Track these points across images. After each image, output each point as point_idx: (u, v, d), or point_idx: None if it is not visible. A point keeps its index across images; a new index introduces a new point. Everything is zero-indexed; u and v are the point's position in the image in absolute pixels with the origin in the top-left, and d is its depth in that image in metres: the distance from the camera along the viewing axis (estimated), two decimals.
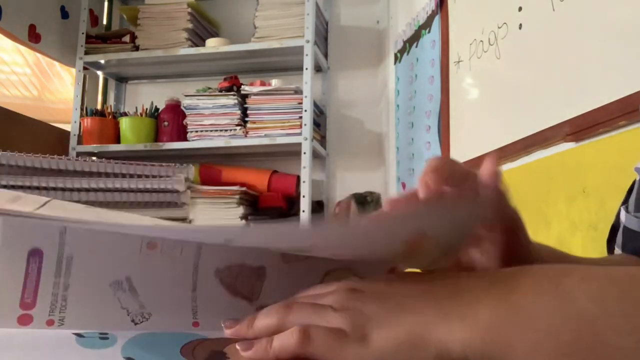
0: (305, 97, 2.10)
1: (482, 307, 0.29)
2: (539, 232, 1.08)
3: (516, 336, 0.28)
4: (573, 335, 0.27)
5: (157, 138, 2.27)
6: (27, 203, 0.35)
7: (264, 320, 0.34)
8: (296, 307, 0.34)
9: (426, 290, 0.32)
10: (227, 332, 0.36)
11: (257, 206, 2.23)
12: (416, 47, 1.89)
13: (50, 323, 0.36)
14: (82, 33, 2.35)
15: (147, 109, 2.31)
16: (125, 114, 2.32)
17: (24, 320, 0.35)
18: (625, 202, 0.56)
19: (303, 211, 2.04)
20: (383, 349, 0.29)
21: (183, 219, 0.66)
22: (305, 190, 2.05)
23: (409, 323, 0.29)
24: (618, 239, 0.57)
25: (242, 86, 2.18)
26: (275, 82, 2.19)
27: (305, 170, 2.05)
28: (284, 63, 2.36)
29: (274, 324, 0.33)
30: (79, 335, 0.33)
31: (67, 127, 2.36)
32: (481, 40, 1.37)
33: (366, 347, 0.29)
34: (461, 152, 1.48)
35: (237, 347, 0.33)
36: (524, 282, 0.30)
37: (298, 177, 2.22)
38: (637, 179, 0.53)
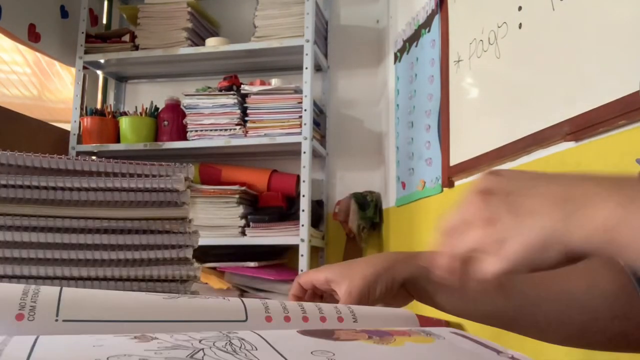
0: (305, 96, 2.10)
1: (602, 209, 0.33)
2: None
3: (630, 237, 0.31)
4: None
5: (157, 137, 2.27)
6: None
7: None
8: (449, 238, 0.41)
9: (552, 193, 0.36)
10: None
11: (257, 206, 2.23)
12: (416, 46, 1.89)
13: None
14: (82, 32, 2.35)
15: (146, 108, 2.31)
16: (125, 114, 2.32)
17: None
18: None
19: (303, 211, 2.04)
20: (517, 255, 0.35)
21: (183, 219, 0.66)
22: (305, 189, 2.05)
23: (536, 228, 0.35)
24: None
25: (242, 85, 2.18)
26: (275, 82, 2.19)
27: (305, 169, 2.05)
28: (283, 62, 2.36)
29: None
30: None
31: (67, 126, 2.36)
32: (481, 40, 1.37)
33: (502, 257, 0.35)
34: (461, 152, 1.48)
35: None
36: None
37: (298, 177, 2.22)
38: None
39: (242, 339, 0.33)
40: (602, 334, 0.50)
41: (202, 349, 0.31)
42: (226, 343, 0.32)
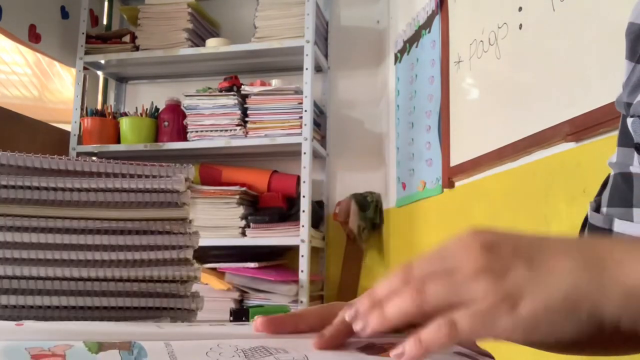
0: (306, 97, 2.10)
1: (635, 270, 0.28)
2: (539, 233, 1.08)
3: None
4: None
5: (157, 138, 2.27)
6: None
7: (398, 309, 0.31)
8: (430, 289, 0.31)
9: (568, 249, 0.30)
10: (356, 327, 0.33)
11: (257, 206, 2.23)
12: (416, 47, 1.89)
13: None
14: (83, 33, 2.35)
15: (147, 109, 2.31)
16: (125, 114, 2.32)
17: None
18: (598, 195, 0.55)
19: (303, 211, 2.04)
20: (536, 316, 0.28)
21: (183, 219, 0.66)
22: (305, 190, 2.05)
23: (562, 288, 0.28)
24: (585, 235, 0.54)
25: (242, 86, 2.18)
26: (275, 82, 2.19)
27: (306, 170, 2.05)
28: (284, 63, 2.36)
29: (411, 313, 0.31)
30: None
31: (67, 127, 2.36)
32: (481, 41, 1.37)
33: (517, 317, 0.28)
34: (461, 152, 1.48)
35: (391, 355, 0.31)
36: None
37: (298, 177, 2.22)
38: (612, 173, 0.53)
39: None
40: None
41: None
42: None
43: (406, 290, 0.31)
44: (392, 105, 2.22)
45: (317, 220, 2.30)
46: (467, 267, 0.30)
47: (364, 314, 0.33)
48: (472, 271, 0.30)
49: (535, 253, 0.30)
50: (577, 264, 0.29)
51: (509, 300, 0.28)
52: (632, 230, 0.47)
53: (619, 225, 0.47)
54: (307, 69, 2.12)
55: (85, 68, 2.40)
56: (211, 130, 2.17)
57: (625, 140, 0.49)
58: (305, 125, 2.08)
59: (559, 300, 0.28)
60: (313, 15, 2.16)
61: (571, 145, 0.99)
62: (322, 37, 2.42)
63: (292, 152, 2.15)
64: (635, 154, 0.48)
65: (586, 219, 0.56)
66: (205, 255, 2.06)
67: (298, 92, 2.12)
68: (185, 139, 2.21)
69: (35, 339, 0.32)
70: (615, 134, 0.89)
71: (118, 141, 2.28)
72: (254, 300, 2.00)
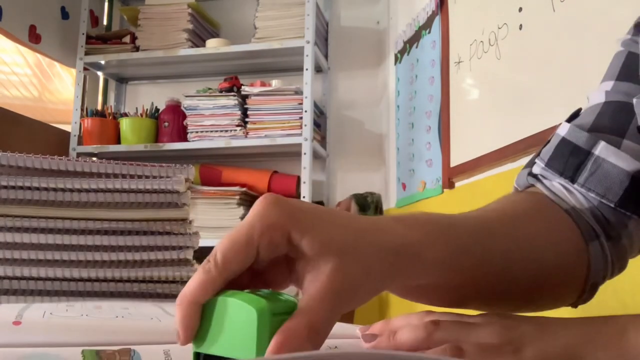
0: (306, 97, 2.10)
1: (624, 338, 0.31)
2: None
3: None
4: None
5: (157, 139, 2.27)
6: None
7: (410, 334, 0.34)
8: (444, 323, 0.34)
9: (568, 320, 0.34)
10: (366, 345, 0.35)
11: None
12: (416, 47, 1.89)
13: None
14: (83, 34, 2.35)
15: (147, 109, 2.31)
16: (125, 115, 2.32)
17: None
18: (572, 116, 0.50)
19: None
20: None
21: (183, 220, 0.66)
22: (305, 190, 2.05)
23: (561, 342, 0.31)
24: (544, 153, 0.49)
25: (243, 87, 2.18)
26: (275, 83, 2.19)
27: (306, 170, 2.05)
28: (284, 64, 2.36)
29: (420, 339, 0.33)
30: None
31: (67, 127, 2.36)
32: (481, 41, 1.37)
33: (520, 359, 0.31)
34: (461, 153, 1.48)
35: None
36: None
37: (298, 178, 2.22)
38: (600, 101, 0.50)
39: None
40: (549, 291, 0.44)
41: None
42: None
43: (421, 323, 0.34)
44: (392, 106, 2.22)
45: None
46: (480, 319, 0.34)
47: (375, 334, 0.35)
48: (485, 321, 0.33)
49: (541, 319, 0.34)
50: (575, 330, 0.33)
51: (514, 344, 0.31)
52: (615, 159, 0.43)
53: (604, 150, 0.44)
54: (307, 69, 2.12)
55: (85, 68, 2.40)
56: (211, 131, 2.17)
57: (627, 74, 0.49)
58: (305, 125, 2.08)
59: (558, 350, 0.31)
60: (313, 15, 2.16)
61: None
62: (322, 37, 2.42)
63: (292, 153, 2.15)
64: None
65: (542, 147, 0.50)
66: (206, 256, 2.06)
67: (298, 92, 2.12)
68: (185, 140, 2.21)
69: (33, 339, 0.32)
70: None
71: (118, 142, 2.28)
72: None
